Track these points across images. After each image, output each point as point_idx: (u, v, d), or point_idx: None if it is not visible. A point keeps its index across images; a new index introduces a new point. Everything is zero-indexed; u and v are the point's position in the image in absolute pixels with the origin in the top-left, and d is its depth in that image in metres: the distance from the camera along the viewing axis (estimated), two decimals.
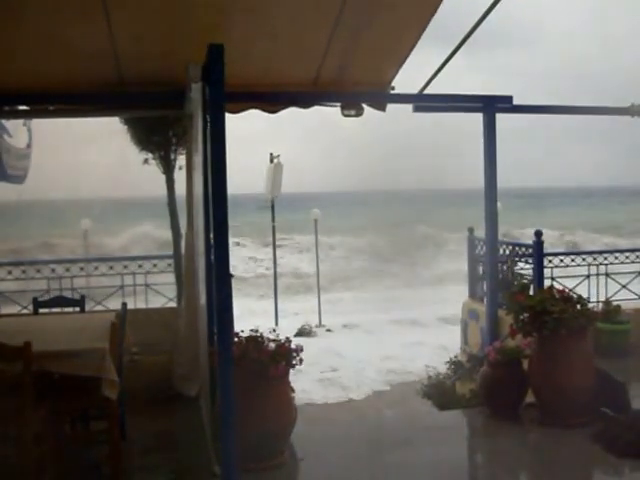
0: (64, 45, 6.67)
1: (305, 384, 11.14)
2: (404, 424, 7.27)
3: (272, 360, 5.61)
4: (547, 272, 9.02)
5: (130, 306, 7.15)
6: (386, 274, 26.50)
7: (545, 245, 8.60)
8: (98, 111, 7.95)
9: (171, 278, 8.85)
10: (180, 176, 8.23)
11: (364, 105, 8.26)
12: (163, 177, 8.59)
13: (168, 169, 8.55)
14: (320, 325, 18.12)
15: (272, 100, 7.98)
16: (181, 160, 8.36)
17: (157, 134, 8.41)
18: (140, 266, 9.09)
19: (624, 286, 9.66)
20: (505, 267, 9.03)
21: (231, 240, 5.09)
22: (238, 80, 6.61)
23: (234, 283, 5.27)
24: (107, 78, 7.37)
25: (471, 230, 10.10)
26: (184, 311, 7.84)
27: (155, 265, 9.10)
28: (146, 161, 8.58)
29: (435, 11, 6.91)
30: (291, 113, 8.15)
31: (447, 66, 7.86)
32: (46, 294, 8.36)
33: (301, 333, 16.47)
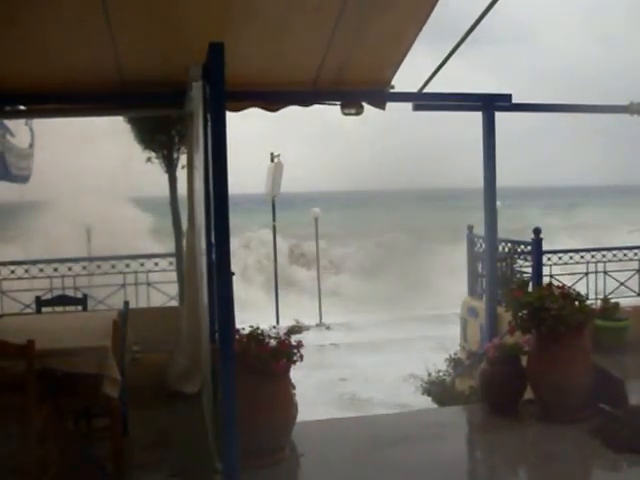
0: (65, 45, 6.71)
1: None
2: (404, 420, 7.31)
3: (273, 357, 5.65)
4: (546, 270, 9.06)
5: (132, 305, 7.19)
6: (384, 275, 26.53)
7: None
8: (99, 111, 8.00)
9: (173, 276, 8.89)
10: (182, 175, 8.27)
11: (364, 104, 8.29)
12: (165, 176, 8.64)
13: (170, 168, 8.59)
14: (320, 324, 18.17)
15: (272, 99, 8.01)
16: (184, 159, 8.39)
17: (161, 133, 8.44)
18: (142, 265, 9.13)
19: (622, 283, 9.70)
20: (504, 265, 9.07)
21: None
22: (238, 79, 6.65)
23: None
24: (108, 77, 7.40)
25: (470, 228, 10.16)
26: (185, 309, 7.88)
27: (157, 264, 9.13)
28: (149, 159, 8.62)
29: (433, 8, 6.94)
30: (291, 112, 8.20)
31: (445, 64, 7.90)
32: (49, 293, 8.40)
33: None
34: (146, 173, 9.01)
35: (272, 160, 17.21)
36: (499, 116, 8.34)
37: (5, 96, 7.43)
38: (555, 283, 7.97)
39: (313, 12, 6.83)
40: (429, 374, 9.48)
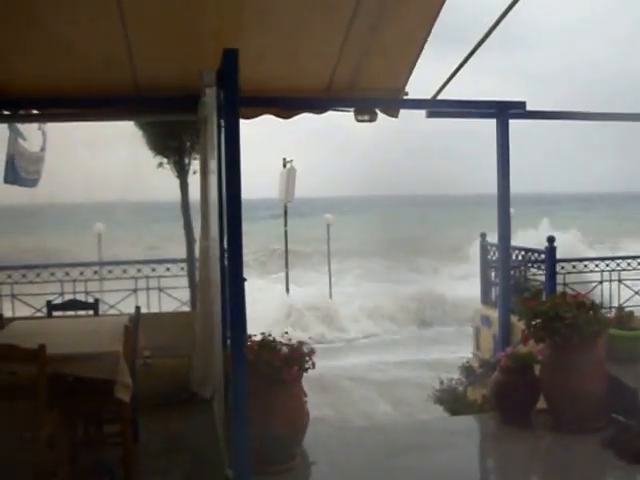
0: (79, 49, 6.73)
1: None
2: (416, 429, 7.26)
3: (285, 364, 5.62)
4: (560, 278, 9.00)
5: (143, 310, 7.19)
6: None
7: None
8: (112, 115, 8.00)
9: (184, 282, 8.88)
10: (193, 180, 8.27)
11: (377, 110, 8.27)
12: (176, 181, 8.64)
13: (182, 173, 8.60)
14: None
15: (286, 105, 7.99)
16: (195, 165, 8.40)
17: (172, 139, 8.45)
18: (154, 270, 9.12)
19: (637, 292, 9.64)
20: (518, 273, 9.02)
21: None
22: (252, 85, 6.64)
23: None
24: (122, 82, 7.41)
25: (483, 235, 10.11)
26: (199, 315, 7.85)
27: (168, 269, 9.12)
28: (160, 165, 8.62)
29: (440, 8, 6.90)
30: (304, 119, 8.17)
31: (459, 71, 7.87)
32: (60, 297, 8.40)
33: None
34: (157, 179, 9.03)
35: (284, 166, 17.17)
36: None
37: (19, 100, 7.45)
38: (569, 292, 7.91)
39: (326, 18, 6.83)
40: (441, 382, 9.43)
